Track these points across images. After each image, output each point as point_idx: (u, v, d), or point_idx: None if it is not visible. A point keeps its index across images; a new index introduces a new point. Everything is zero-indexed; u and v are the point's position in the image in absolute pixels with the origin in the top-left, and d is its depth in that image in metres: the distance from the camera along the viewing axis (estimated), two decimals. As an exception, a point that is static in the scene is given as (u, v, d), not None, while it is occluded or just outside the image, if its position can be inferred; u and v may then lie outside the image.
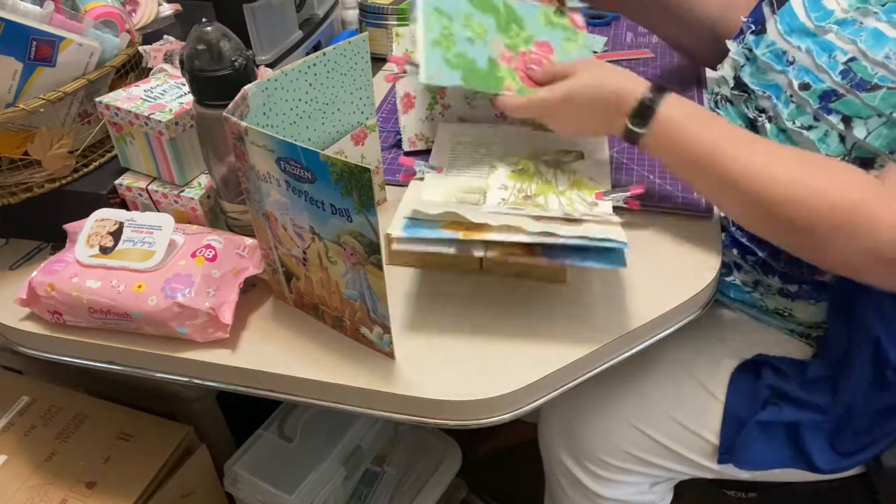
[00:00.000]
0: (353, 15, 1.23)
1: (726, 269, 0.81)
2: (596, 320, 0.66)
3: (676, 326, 0.69)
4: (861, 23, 0.66)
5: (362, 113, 0.74)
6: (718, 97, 0.83)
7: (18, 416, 0.93)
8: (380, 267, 0.55)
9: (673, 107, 0.67)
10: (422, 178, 0.75)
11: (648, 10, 0.95)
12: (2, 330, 0.71)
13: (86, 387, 0.98)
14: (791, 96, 0.71)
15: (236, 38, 0.65)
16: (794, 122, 0.71)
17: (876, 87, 0.63)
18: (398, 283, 0.71)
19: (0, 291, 0.73)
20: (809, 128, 0.70)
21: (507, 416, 0.61)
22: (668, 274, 0.70)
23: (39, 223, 0.77)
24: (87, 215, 0.70)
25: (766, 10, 0.78)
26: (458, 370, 0.62)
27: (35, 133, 0.72)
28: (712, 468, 0.83)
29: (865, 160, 0.67)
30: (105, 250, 0.67)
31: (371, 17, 1.14)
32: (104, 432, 0.91)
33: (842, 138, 0.68)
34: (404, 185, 0.77)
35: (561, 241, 0.61)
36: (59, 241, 0.73)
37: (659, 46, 1.13)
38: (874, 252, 0.59)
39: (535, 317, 0.66)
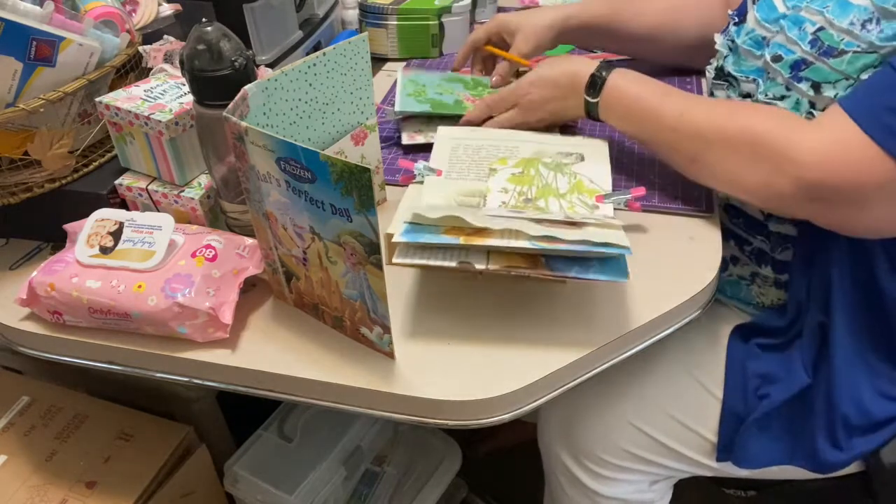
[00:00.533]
0: (353, 15, 1.23)
1: (722, 263, 0.81)
2: (596, 320, 0.66)
3: (676, 327, 0.69)
4: None
5: (362, 113, 0.74)
6: (718, 85, 0.84)
7: (18, 416, 0.93)
8: (380, 267, 0.55)
9: (619, 76, 0.77)
10: (421, 181, 0.75)
11: (633, 46, 1.01)
12: (2, 330, 0.71)
13: (86, 387, 0.98)
14: (771, 76, 0.73)
15: (236, 38, 0.65)
16: (766, 95, 0.73)
17: (842, 53, 0.66)
18: (398, 283, 0.71)
19: (0, 291, 0.73)
20: (782, 97, 0.72)
21: (507, 416, 0.61)
22: (668, 274, 0.70)
23: (39, 223, 0.77)
24: (87, 215, 0.70)
25: (749, 3, 0.80)
26: (458, 370, 0.62)
27: (35, 133, 0.72)
28: (712, 466, 0.83)
29: None
30: (105, 250, 0.67)
31: (371, 17, 1.14)
32: (104, 432, 0.91)
33: (812, 105, 0.70)
34: (404, 185, 0.77)
35: (563, 247, 0.60)
36: (59, 241, 0.73)
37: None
38: (797, 178, 0.62)
39: (535, 317, 0.67)
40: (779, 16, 0.73)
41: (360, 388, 0.61)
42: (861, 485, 0.81)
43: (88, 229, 0.68)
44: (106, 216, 0.70)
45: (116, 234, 0.68)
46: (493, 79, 0.94)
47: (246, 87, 0.60)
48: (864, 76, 0.65)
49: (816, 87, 0.69)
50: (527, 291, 0.69)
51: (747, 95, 0.77)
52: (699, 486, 0.92)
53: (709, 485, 0.91)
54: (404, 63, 1.15)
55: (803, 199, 0.64)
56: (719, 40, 0.84)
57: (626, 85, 0.76)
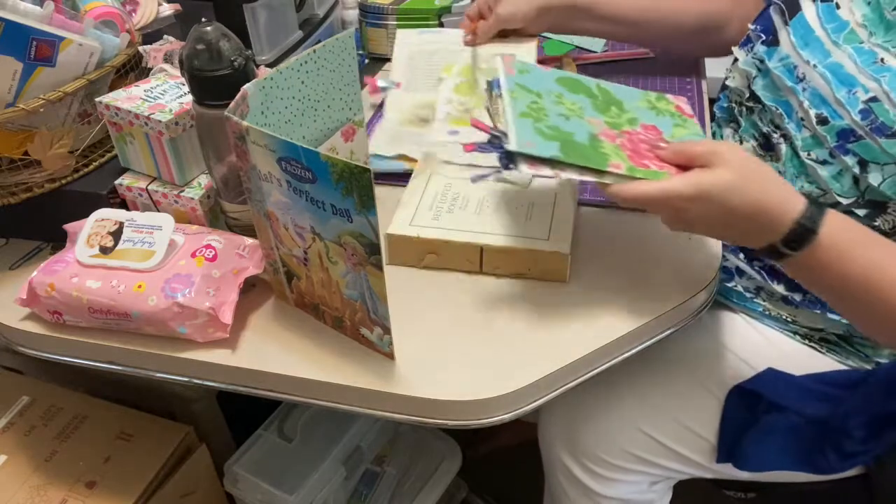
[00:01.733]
0: (353, 15, 1.23)
1: (727, 274, 0.81)
2: (596, 320, 0.66)
3: (676, 327, 0.69)
4: (883, 60, 0.65)
5: (350, 108, 0.74)
6: (742, 107, 0.82)
7: (18, 416, 0.93)
8: (380, 268, 0.55)
9: (836, 230, 0.57)
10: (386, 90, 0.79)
11: (623, 29, 0.96)
12: (2, 330, 0.71)
13: (86, 387, 0.98)
14: (802, 119, 0.70)
15: (236, 38, 0.65)
16: (808, 154, 0.69)
17: None
18: (398, 283, 0.71)
19: (0, 291, 0.73)
20: (824, 163, 0.68)
21: (507, 417, 0.61)
22: (668, 274, 0.70)
23: (39, 223, 0.77)
24: (87, 215, 0.70)
25: (777, 18, 0.76)
26: (458, 370, 0.62)
27: (35, 133, 0.72)
28: (712, 468, 0.83)
29: (878, 203, 0.67)
30: (105, 250, 0.67)
31: (371, 17, 1.14)
32: (104, 432, 0.91)
33: (855, 180, 0.66)
34: (398, 184, 0.80)
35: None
36: (59, 241, 0.73)
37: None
38: None
39: (535, 317, 0.66)
40: (817, 42, 0.69)
41: (360, 388, 0.61)
42: (861, 487, 0.81)
43: (88, 229, 0.68)
44: (106, 216, 0.70)
45: (116, 234, 0.68)
46: (467, 37, 0.91)
47: (245, 86, 0.60)
48: None
49: (863, 164, 0.64)
50: (526, 292, 0.69)
51: (777, 126, 0.74)
52: (699, 488, 0.92)
53: (709, 487, 0.91)
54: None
55: None
56: (741, 56, 0.80)
57: (846, 247, 0.58)
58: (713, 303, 0.72)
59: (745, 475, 0.83)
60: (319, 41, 1.13)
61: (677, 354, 0.83)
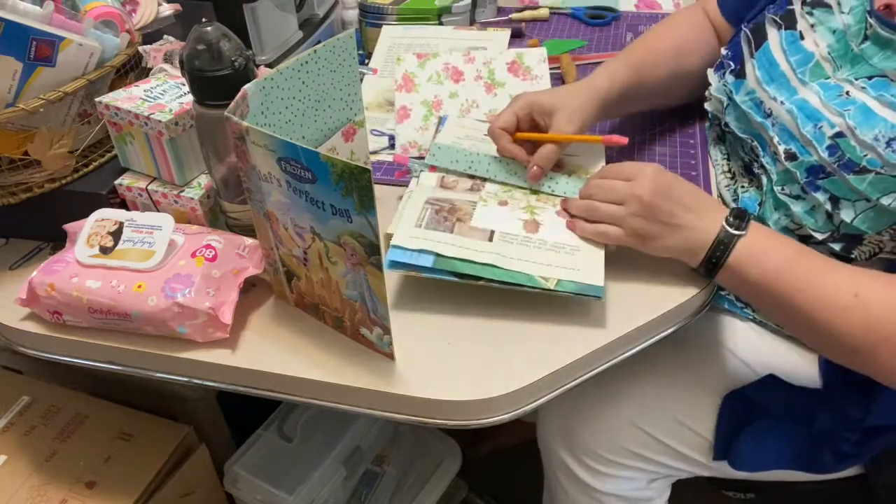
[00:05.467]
0: (353, 15, 1.23)
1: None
2: (596, 321, 0.66)
3: (676, 327, 0.69)
4: (848, 93, 0.65)
5: (350, 109, 0.74)
6: (723, 131, 0.82)
7: (18, 416, 0.93)
8: (380, 268, 0.55)
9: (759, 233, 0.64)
10: (417, 177, 0.77)
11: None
12: (2, 330, 0.71)
13: (86, 387, 0.98)
14: (775, 154, 0.70)
15: (236, 38, 0.65)
16: (782, 188, 0.70)
17: (864, 171, 0.62)
18: (398, 283, 0.71)
19: (0, 291, 0.73)
20: (797, 198, 0.69)
21: (507, 417, 0.61)
22: (667, 275, 0.70)
23: (39, 223, 0.77)
24: (87, 215, 0.70)
25: (745, 48, 0.76)
26: (458, 370, 0.62)
27: (35, 133, 0.72)
28: (710, 466, 0.83)
29: (853, 236, 0.67)
30: (105, 250, 0.67)
31: (371, 17, 1.14)
32: (104, 432, 0.91)
33: (829, 215, 0.67)
34: (395, 183, 0.79)
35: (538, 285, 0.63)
36: (59, 241, 0.73)
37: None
38: None
39: (535, 317, 0.66)
40: (781, 77, 0.69)
41: (360, 388, 0.61)
42: (860, 488, 0.81)
43: (88, 229, 0.68)
44: (106, 216, 0.70)
45: (116, 234, 0.68)
46: (533, 170, 0.74)
47: (245, 86, 0.60)
48: (885, 200, 0.62)
49: (834, 200, 0.65)
50: (527, 292, 0.69)
51: (757, 155, 0.74)
52: (699, 489, 0.92)
53: (708, 487, 0.91)
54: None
55: None
56: (714, 82, 0.80)
57: (775, 237, 0.65)
58: (711, 304, 0.73)
59: (743, 474, 0.83)
60: (319, 41, 1.13)
61: (676, 352, 0.83)
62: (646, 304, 0.67)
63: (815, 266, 0.62)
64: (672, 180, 0.66)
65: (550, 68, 0.94)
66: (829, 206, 0.66)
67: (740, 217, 0.64)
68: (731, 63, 0.78)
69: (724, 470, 0.83)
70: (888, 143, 0.61)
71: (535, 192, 0.76)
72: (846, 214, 0.65)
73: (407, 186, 0.78)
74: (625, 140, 0.74)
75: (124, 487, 0.85)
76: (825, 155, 0.64)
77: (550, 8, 1.28)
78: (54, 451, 0.89)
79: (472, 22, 1.21)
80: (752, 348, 0.81)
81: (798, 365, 0.78)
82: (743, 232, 0.63)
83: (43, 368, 0.98)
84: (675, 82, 0.88)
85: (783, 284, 0.62)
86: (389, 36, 1.00)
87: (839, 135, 0.64)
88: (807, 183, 0.67)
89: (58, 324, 0.68)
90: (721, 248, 0.63)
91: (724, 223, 0.64)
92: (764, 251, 0.63)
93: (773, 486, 0.86)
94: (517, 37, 1.18)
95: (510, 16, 1.21)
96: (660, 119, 0.94)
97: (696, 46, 0.88)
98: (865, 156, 0.62)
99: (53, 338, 0.68)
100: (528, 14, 1.23)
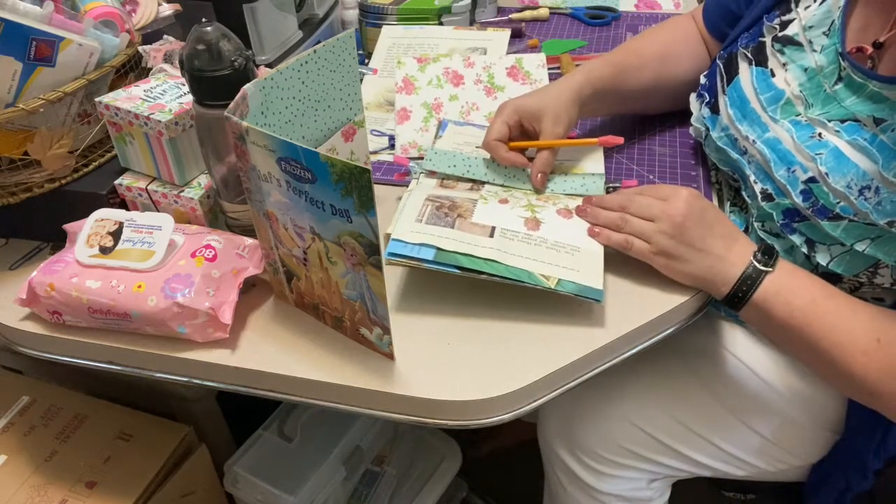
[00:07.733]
0: (353, 15, 1.23)
1: None
2: (596, 320, 0.66)
3: (676, 327, 0.69)
4: (820, 135, 0.64)
5: (350, 109, 0.74)
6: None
7: (18, 416, 0.93)
8: (379, 268, 0.55)
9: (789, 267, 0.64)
10: (417, 178, 0.77)
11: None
12: (2, 330, 0.71)
13: (86, 387, 0.98)
14: (753, 192, 0.71)
15: (236, 38, 0.65)
16: (762, 225, 0.71)
17: (838, 218, 0.62)
18: (398, 283, 0.71)
19: (0, 291, 0.73)
20: (777, 236, 0.69)
21: (507, 417, 0.61)
22: (667, 275, 0.70)
23: (39, 223, 0.77)
24: (86, 215, 0.70)
25: (718, 83, 0.76)
26: (458, 370, 0.62)
27: (35, 133, 0.72)
28: (710, 466, 0.83)
29: (833, 276, 0.67)
30: (105, 250, 0.67)
31: (371, 17, 1.14)
32: (104, 432, 0.91)
33: (806, 256, 0.67)
34: (395, 183, 0.79)
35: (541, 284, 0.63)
36: (59, 241, 0.73)
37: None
38: None
39: (535, 317, 0.66)
40: (752, 115, 0.69)
41: (360, 388, 0.61)
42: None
43: (88, 229, 0.68)
44: (106, 216, 0.70)
45: (116, 234, 0.68)
46: (538, 178, 0.75)
47: (245, 86, 0.60)
48: (860, 246, 0.62)
49: (810, 244, 0.65)
50: (527, 292, 0.69)
51: (738, 184, 0.74)
52: (698, 488, 0.92)
53: (708, 488, 0.91)
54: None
55: None
56: (695, 111, 0.80)
57: (800, 275, 0.64)
58: (711, 305, 0.72)
59: (742, 474, 0.83)
60: (319, 41, 1.13)
61: (676, 352, 0.83)
62: (646, 305, 0.67)
63: (840, 309, 0.62)
64: (707, 206, 0.66)
65: (550, 68, 0.94)
66: (805, 250, 0.66)
67: (768, 254, 0.64)
68: (707, 95, 0.78)
69: (723, 470, 0.83)
70: (860, 192, 0.60)
71: (534, 191, 0.76)
72: (822, 258, 0.65)
73: (406, 187, 0.78)
74: (620, 140, 0.75)
75: (124, 487, 0.85)
76: (799, 200, 0.64)
77: (550, 8, 1.28)
78: (54, 451, 0.89)
79: (472, 22, 1.21)
80: (752, 349, 0.81)
81: (797, 365, 0.78)
82: (770, 269, 0.63)
83: (43, 368, 0.98)
84: (659, 87, 0.88)
85: (807, 326, 0.62)
86: (389, 36, 1.00)
87: (812, 180, 0.64)
88: (783, 225, 0.67)
89: (58, 324, 0.68)
90: (748, 284, 0.63)
91: (752, 258, 0.64)
92: (791, 290, 0.63)
93: (774, 487, 0.86)
94: (517, 37, 1.18)
95: (510, 16, 1.21)
96: (660, 119, 0.94)
97: (683, 54, 0.88)
98: (838, 203, 0.62)
99: (53, 338, 0.68)
100: (528, 14, 1.23)
